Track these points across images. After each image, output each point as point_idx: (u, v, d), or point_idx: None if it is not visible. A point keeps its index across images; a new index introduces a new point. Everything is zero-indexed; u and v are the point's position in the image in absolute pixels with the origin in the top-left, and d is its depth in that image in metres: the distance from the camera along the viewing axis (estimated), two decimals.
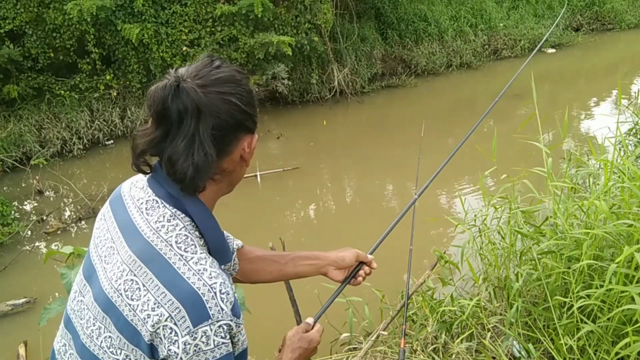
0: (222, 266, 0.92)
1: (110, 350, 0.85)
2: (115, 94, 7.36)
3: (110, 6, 6.70)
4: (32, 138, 6.63)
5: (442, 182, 5.70)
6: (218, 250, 0.90)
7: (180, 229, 0.87)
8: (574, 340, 1.92)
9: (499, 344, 2.20)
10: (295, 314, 2.46)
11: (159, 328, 0.80)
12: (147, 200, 0.91)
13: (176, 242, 0.85)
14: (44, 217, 5.21)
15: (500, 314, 2.41)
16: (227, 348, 0.83)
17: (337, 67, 8.91)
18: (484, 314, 2.38)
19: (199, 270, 0.83)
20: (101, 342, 0.86)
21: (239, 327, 0.86)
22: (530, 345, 2.10)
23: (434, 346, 2.38)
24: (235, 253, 1.21)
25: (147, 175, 0.94)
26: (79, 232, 5.06)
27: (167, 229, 0.86)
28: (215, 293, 0.82)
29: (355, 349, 2.64)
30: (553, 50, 12.02)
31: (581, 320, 1.95)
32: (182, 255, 0.84)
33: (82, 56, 7.19)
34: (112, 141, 7.27)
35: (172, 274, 0.82)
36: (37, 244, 4.83)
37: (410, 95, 9.43)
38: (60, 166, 6.40)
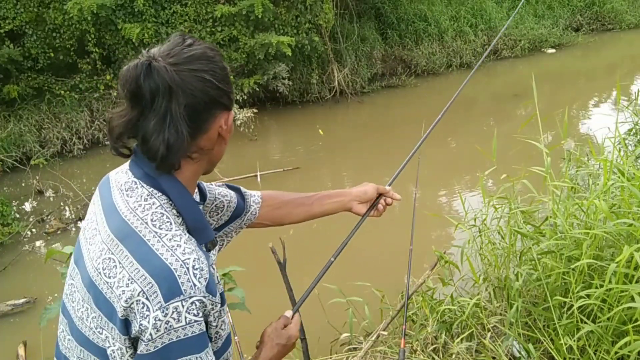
0: (208, 243, 0.92)
1: (97, 330, 0.86)
2: (115, 94, 7.35)
3: (110, 5, 6.70)
4: (32, 138, 6.63)
5: (443, 182, 5.70)
6: (196, 228, 0.90)
7: (156, 207, 0.87)
8: (574, 341, 1.92)
9: (499, 344, 2.20)
10: (295, 314, 2.46)
11: (132, 303, 0.79)
12: (126, 182, 0.91)
13: (151, 219, 0.86)
14: (44, 217, 5.21)
15: (500, 314, 2.41)
16: (200, 327, 0.82)
17: (337, 67, 8.91)
18: (484, 314, 2.38)
19: (172, 246, 0.83)
20: (90, 322, 0.87)
21: (214, 306, 0.85)
22: (530, 345, 2.10)
23: (434, 346, 2.38)
24: (259, 204, 1.28)
25: (129, 159, 0.95)
26: (79, 232, 5.05)
27: (143, 208, 0.87)
28: (187, 269, 0.81)
29: (355, 349, 2.64)
30: (553, 51, 12.02)
31: (581, 320, 1.95)
32: (156, 232, 0.84)
33: (82, 56, 7.19)
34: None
35: (146, 250, 0.82)
36: (37, 244, 4.83)
37: (410, 95, 9.43)
38: (60, 166, 6.40)
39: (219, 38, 7.47)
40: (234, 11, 7.18)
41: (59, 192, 5.80)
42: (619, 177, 2.24)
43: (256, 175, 5.78)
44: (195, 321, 0.81)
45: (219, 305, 0.87)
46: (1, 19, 6.63)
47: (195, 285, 0.81)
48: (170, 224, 0.86)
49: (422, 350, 2.36)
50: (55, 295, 4.01)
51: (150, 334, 0.79)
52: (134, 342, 0.83)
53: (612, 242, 2.08)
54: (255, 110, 7.16)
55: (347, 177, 6.40)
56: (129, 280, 0.81)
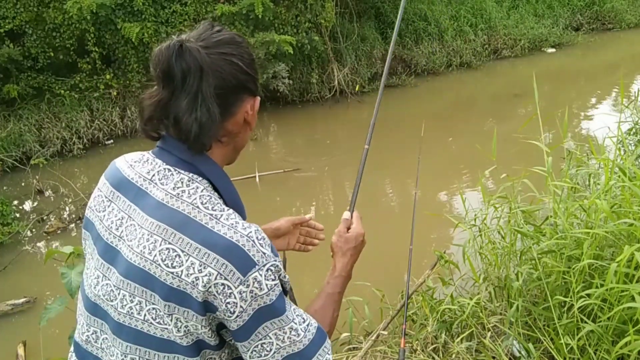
0: None
1: (157, 320, 0.86)
2: (115, 93, 7.35)
3: (110, 4, 6.69)
4: (32, 138, 6.62)
5: (443, 182, 5.70)
6: (235, 207, 0.92)
7: (202, 191, 0.88)
8: (575, 340, 1.92)
9: (499, 344, 2.20)
10: None
11: (210, 287, 0.82)
12: (158, 171, 0.91)
13: (202, 202, 0.87)
14: (44, 217, 5.20)
15: (501, 314, 2.41)
16: (279, 289, 0.87)
17: (337, 66, 8.91)
18: (484, 313, 2.38)
19: (232, 224, 0.86)
20: (144, 315, 0.87)
21: (281, 265, 0.89)
22: (530, 345, 2.10)
23: (434, 346, 2.38)
24: None
25: (148, 151, 0.95)
26: (79, 232, 5.05)
27: (188, 193, 0.88)
28: (253, 240, 0.85)
29: (355, 348, 2.64)
30: (553, 50, 12.02)
31: (581, 319, 1.95)
32: (212, 215, 0.86)
33: (82, 55, 7.19)
34: (112, 141, 7.27)
35: (208, 233, 0.84)
36: (37, 243, 4.83)
37: (410, 94, 9.42)
38: (60, 166, 6.39)
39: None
40: (234, 10, 7.18)
41: (59, 191, 5.79)
42: (619, 177, 2.24)
43: (255, 177, 5.78)
44: (275, 285, 0.86)
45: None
46: (1, 18, 6.62)
47: (265, 253, 0.85)
48: (220, 204, 0.88)
49: (422, 350, 2.36)
50: (57, 294, 4.01)
51: (241, 307, 0.83)
52: (211, 323, 0.86)
53: (613, 242, 2.08)
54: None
55: (348, 177, 6.40)
56: (200, 266, 0.82)
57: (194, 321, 0.85)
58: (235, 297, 0.82)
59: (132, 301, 0.88)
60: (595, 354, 1.89)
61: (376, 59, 9.72)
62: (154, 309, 0.86)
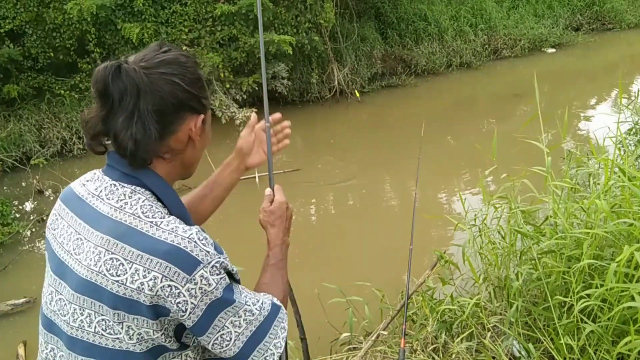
0: None
1: (108, 331, 0.89)
2: None
3: (110, 5, 6.69)
4: (32, 138, 6.62)
5: (443, 181, 5.70)
6: (180, 216, 0.95)
7: (143, 201, 0.91)
8: (575, 341, 1.92)
9: (499, 344, 2.20)
10: (295, 313, 2.46)
11: (157, 290, 0.84)
12: (104, 187, 0.95)
13: (143, 212, 0.90)
14: (44, 217, 5.20)
15: (500, 314, 2.41)
16: (226, 281, 0.90)
17: (337, 66, 8.91)
18: (484, 313, 2.38)
19: (172, 229, 0.88)
20: (95, 327, 0.89)
21: (227, 261, 0.92)
22: (530, 345, 2.10)
23: (434, 346, 2.38)
24: None
25: (99, 169, 1.00)
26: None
27: (130, 205, 0.91)
28: (195, 241, 0.87)
29: (355, 348, 2.64)
30: (553, 50, 12.02)
31: (581, 320, 1.95)
32: (152, 222, 0.89)
33: (82, 56, 7.18)
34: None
35: (149, 240, 0.87)
36: (37, 244, 4.83)
37: (410, 95, 9.42)
38: (60, 166, 6.39)
39: (219, 37, 7.47)
40: (233, 10, 7.18)
41: (59, 191, 5.78)
42: (619, 177, 2.24)
43: (255, 177, 5.78)
44: (221, 279, 0.89)
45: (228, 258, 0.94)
46: (1, 18, 6.62)
47: (208, 252, 0.88)
48: (161, 212, 0.91)
49: (422, 350, 2.36)
50: None
51: (192, 303, 0.86)
52: (166, 328, 0.89)
53: (613, 242, 2.08)
54: (255, 110, 7.15)
55: (347, 177, 6.39)
56: (145, 271, 0.85)
57: (146, 327, 0.87)
58: (184, 296, 0.85)
59: (82, 314, 0.90)
60: (595, 354, 1.89)
61: (376, 59, 9.72)
62: (103, 320, 0.88)
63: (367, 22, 9.87)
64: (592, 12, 13.83)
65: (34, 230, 5.03)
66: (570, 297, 1.96)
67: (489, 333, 2.28)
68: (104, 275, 0.87)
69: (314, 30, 8.20)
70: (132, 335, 0.88)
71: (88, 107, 0.96)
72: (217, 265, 0.89)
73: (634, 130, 4.35)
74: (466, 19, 11.31)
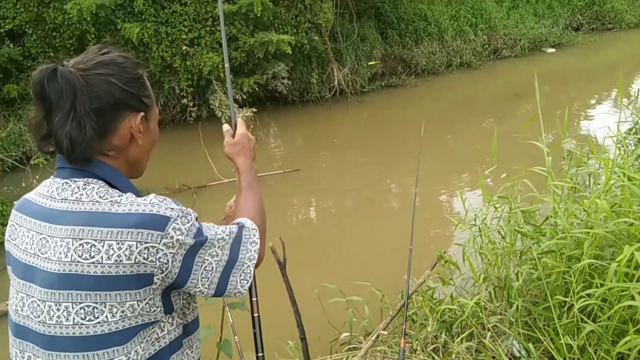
0: None
1: (87, 318, 0.90)
2: None
3: (110, 5, 6.69)
4: (32, 138, 6.61)
5: (443, 181, 5.70)
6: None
7: (98, 189, 0.95)
8: (575, 341, 1.92)
9: (499, 344, 2.20)
10: (295, 313, 2.46)
11: (135, 256, 0.88)
12: (56, 188, 0.97)
13: (100, 197, 0.93)
14: None
15: (501, 314, 2.41)
16: (195, 226, 0.96)
17: (337, 66, 8.91)
18: (484, 313, 2.37)
19: (132, 201, 0.93)
20: (73, 319, 0.90)
21: (194, 216, 0.97)
22: (530, 345, 2.09)
23: (434, 346, 2.37)
24: None
25: (49, 178, 1.02)
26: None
27: (86, 194, 0.94)
28: (157, 204, 0.92)
29: (355, 348, 2.64)
30: (553, 50, 12.02)
31: (581, 319, 1.95)
32: (112, 202, 0.92)
33: None
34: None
35: (114, 216, 0.90)
36: None
37: (410, 94, 9.43)
38: None
39: (219, 37, 7.47)
40: (233, 10, 7.18)
41: None
42: (619, 177, 2.24)
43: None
44: (192, 225, 0.94)
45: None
46: (1, 18, 6.62)
47: (172, 208, 0.93)
48: (118, 192, 0.95)
49: (422, 350, 2.36)
50: None
51: (171, 253, 0.91)
52: (153, 296, 0.92)
53: (613, 242, 2.08)
54: (254, 110, 7.16)
55: (348, 177, 6.40)
56: (118, 244, 0.88)
57: (130, 300, 0.89)
58: (163, 250, 0.90)
59: (58, 309, 0.91)
60: (595, 353, 1.89)
61: (376, 59, 9.72)
62: (81, 308, 0.89)
63: (367, 22, 9.88)
64: (592, 12, 13.84)
65: None
66: (571, 297, 1.96)
67: (489, 333, 2.28)
68: (78, 262, 0.89)
69: (313, 30, 8.21)
70: (116, 313, 0.89)
71: (31, 111, 0.99)
72: (184, 214, 0.94)
73: (634, 129, 4.35)
74: (466, 19, 11.32)
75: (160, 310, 0.95)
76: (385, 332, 2.61)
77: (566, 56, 11.81)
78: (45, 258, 0.92)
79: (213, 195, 5.55)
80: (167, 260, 0.91)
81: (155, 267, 0.90)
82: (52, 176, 1.01)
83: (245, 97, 7.68)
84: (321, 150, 7.12)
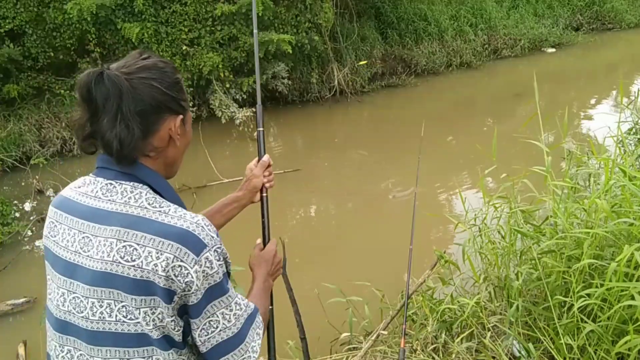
0: None
1: (129, 317, 0.93)
2: None
3: (110, 5, 6.69)
4: (32, 137, 6.61)
5: (443, 181, 5.70)
6: (177, 204, 1.02)
7: (146, 194, 0.98)
8: (575, 340, 1.92)
9: (499, 344, 2.20)
10: (295, 313, 2.46)
11: (169, 270, 0.91)
12: (100, 188, 1.00)
13: (149, 203, 0.97)
14: (44, 217, 5.20)
15: (501, 314, 2.41)
16: (224, 269, 0.99)
17: (337, 66, 8.91)
18: (484, 313, 2.37)
19: (181, 215, 0.96)
20: (116, 316, 0.94)
21: (225, 250, 1.00)
22: (531, 345, 2.09)
23: (434, 346, 2.38)
24: None
25: (89, 175, 1.05)
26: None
27: (135, 199, 0.97)
28: (202, 226, 0.96)
29: (355, 348, 2.64)
30: (553, 50, 12.02)
31: (581, 319, 1.95)
32: (160, 211, 0.96)
33: (82, 55, 7.18)
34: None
35: (160, 225, 0.94)
36: (37, 243, 4.83)
37: (410, 94, 9.42)
38: (60, 166, 6.39)
39: (219, 37, 7.47)
40: (233, 9, 7.17)
41: (59, 191, 5.78)
42: (619, 177, 2.24)
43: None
44: (221, 265, 0.97)
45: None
46: (1, 18, 6.62)
47: (213, 237, 0.97)
48: (165, 202, 0.99)
49: (422, 350, 2.36)
50: None
51: (196, 285, 0.93)
52: (177, 312, 0.94)
53: (613, 242, 2.08)
54: (254, 110, 7.15)
55: (348, 177, 6.40)
56: (157, 253, 0.91)
57: (161, 308, 0.92)
58: (192, 276, 0.92)
59: (101, 306, 0.95)
60: (595, 353, 1.89)
61: (376, 59, 9.72)
62: (123, 306, 0.93)
63: (367, 22, 9.87)
64: (592, 12, 13.84)
65: (34, 230, 5.03)
66: (570, 297, 1.96)
67: (489, 333, 2.28)
68: (119, 263, 0.92)
69: (313, 30, 8.20)
70: (149, 321, 0.93)
71: (74, 111, 1.02)
72: (219, 250, 0.97)
73: (634, 129, 4.35)
74: (466, 19, 11.32)
75: (180, 334, 0.97)
76: (385, 332, 2.61)
77: (566, 56, 11.81)
78: (88, 256, 0.96)
79: (213, 195, 5.55)
80: (192, 288, 0.93)
81: (179, 288, 0.92)
82: (91, 175, 1.04)
83: (245, 97, 7.67)
84: (321, 150, 7.12)
